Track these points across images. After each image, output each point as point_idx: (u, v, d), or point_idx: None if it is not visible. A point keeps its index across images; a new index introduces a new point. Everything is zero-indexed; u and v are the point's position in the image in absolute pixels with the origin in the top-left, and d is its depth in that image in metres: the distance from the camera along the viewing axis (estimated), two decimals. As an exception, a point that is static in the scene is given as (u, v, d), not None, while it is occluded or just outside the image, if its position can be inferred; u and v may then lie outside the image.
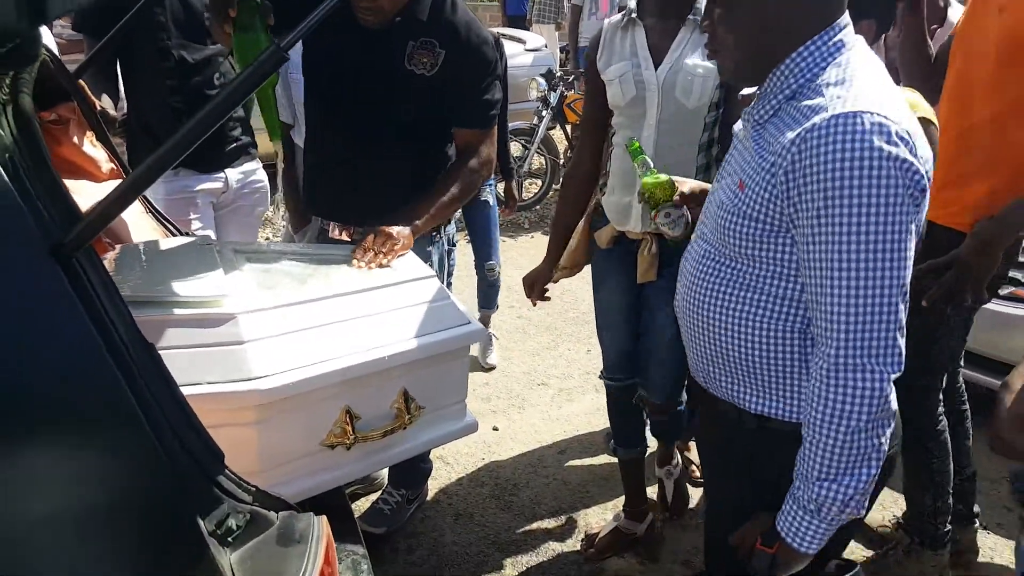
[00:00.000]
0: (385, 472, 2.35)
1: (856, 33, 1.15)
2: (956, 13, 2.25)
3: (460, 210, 2.43)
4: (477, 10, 10.30)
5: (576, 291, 3.83)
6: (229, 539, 0.80)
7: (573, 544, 2.25)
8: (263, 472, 1.25)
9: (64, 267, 0.70)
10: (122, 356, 0.72)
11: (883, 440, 1.00)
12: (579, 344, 3.54)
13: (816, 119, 0.96)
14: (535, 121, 5.25)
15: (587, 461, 2.66)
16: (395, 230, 1.60)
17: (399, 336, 1.38)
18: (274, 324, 1.27)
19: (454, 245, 2.06)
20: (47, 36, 3.74)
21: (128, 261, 1.44)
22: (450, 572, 2.12)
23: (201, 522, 0.76)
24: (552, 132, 5.60)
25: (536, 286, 2.12)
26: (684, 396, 2.12)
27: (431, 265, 1.94)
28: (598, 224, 2.01)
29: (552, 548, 2.23)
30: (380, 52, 1.72)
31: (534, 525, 2.33)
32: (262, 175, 2.56)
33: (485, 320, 3.41)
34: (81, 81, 1.78)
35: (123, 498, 0.72)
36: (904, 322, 0.99)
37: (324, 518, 0.92)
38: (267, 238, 4.39)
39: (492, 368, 3.30)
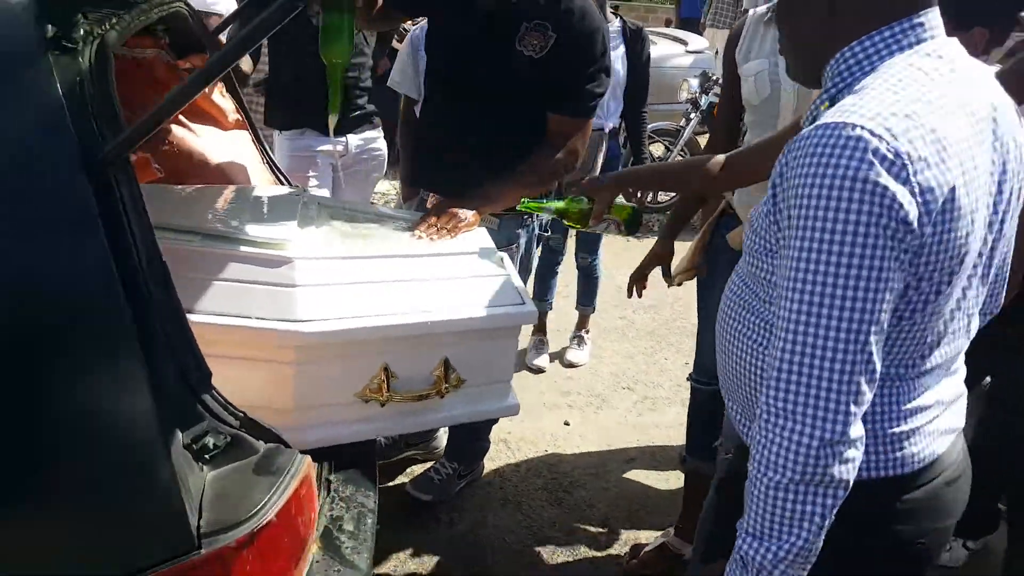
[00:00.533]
0: (444, 443, 2.42)
1: (965, 41, 1.03)
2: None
3: None
4: (656, 11, 10.17)
5: (689, 301, 3.72)
6: (205, 456, 0.87)
7: (615, 554, 2.21)
8: (295, 410, 1.34)
9: (96, 181, 0.79)
10: (133, 272, 0.80)
11: (817, 509, 0.84)
12: (678, 355, 3.44)
13: (807, 128, 0.86)
14: (682, 123, 5.14)
15: (654, 475, 2.59)
16: (461, 211, 1.63)
17: (447, 304, 1.42)
18: (328, 274, 1.34)
19: (546, 229, 2.07)
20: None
21: (217, 198, 1.58)
22: (485, 554, 2.15)
23: (180, 434, 0.83)
24: (699, 136, 5.46)
25: (641, 272, 2.05)
26: None
27: (518, 247, 1.97)
28: (730, 225, 1.92)
29: (592, 554, 2.20)
30: (493, 31, 1.74)
31: (580, 527, 2.30)
32: (382, 144, 2.69)
33: (583, 319, 3.39)
34: (220, 37, 1.95)
35: (109, 405, 0.80)
36: (864, 379, 0.83)
37: (308, 458, 0.97)
38: (388, 194, 4.58)
39: (576, 366, 3.28)
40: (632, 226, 1.65)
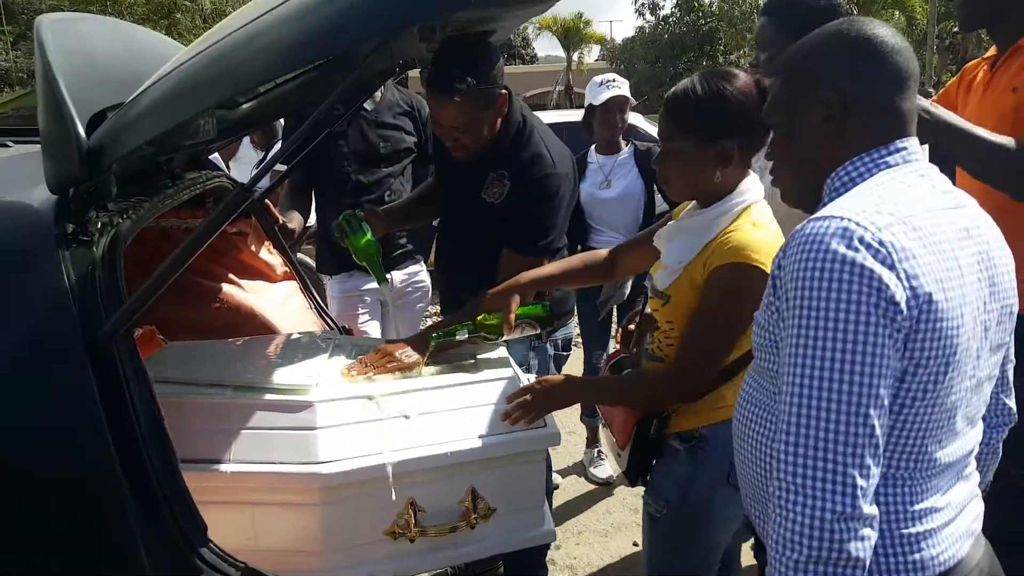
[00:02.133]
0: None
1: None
2: None
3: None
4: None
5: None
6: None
7: None
8: (325, 553, 1.36)
9: (97, 357, 0.88)
10: (131, 439, 0.88)
11: None
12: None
13: (798, 226, 0.93)
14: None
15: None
16: (400, 351, 1.62)
17: (467, 433, 1.44)
18: (349, 413, 1.40)
19: (568, 351, 2.09)
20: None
21: (258, 349, 1.69)
22: None
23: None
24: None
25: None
26: None
27: (529, 368, 1.99)
28: None
29: None
30: (465, 183, 1.87)
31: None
32: (424, 276, 2.82)
33: (592, 433, 3.23)
34: (267, 201, 2.15)
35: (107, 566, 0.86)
36: (869, 452, 0.85)
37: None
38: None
39: (604, 483, 3.13)
40: (547, 321, 1.72)
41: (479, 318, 1.65)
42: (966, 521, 1.00)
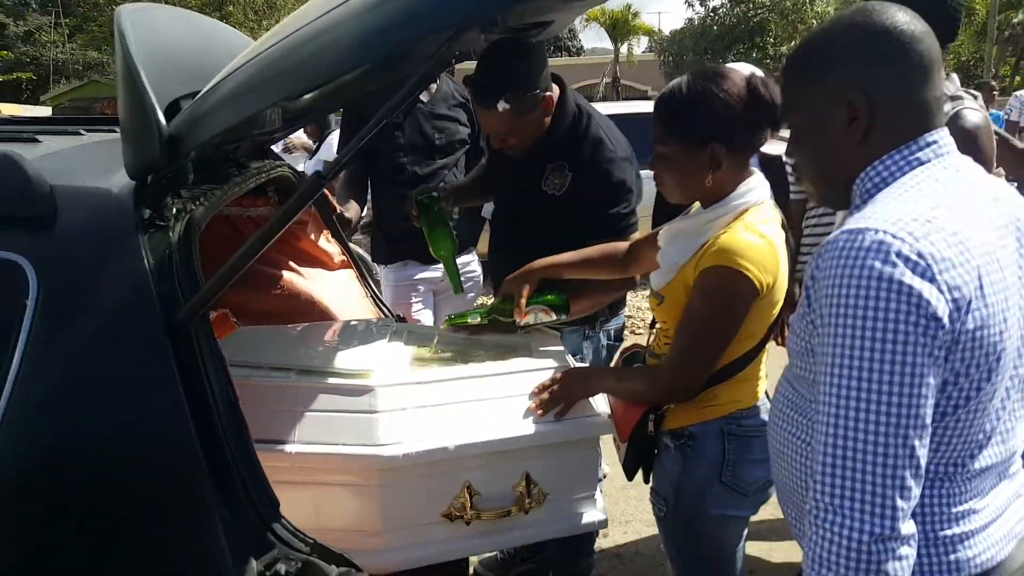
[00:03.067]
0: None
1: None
2: None
3: None
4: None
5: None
6: (278, 581, 0.94)
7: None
8: (384, 533, 1.40)
9: (177, 339, 0.93)
10: (208, 418, 0.92)
11: None
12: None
13: (831, 235, 0.89)
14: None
15: None
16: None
17: (523, 420, 1.46)
18: (407, 398, 1.43)
19: (620, 340, 2.08)
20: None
21: (318, 335, 1.74)
22: None
23: (254, 562, 0.91)
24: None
25: None
26: None
27: (582, 358, 2.00)
28: None
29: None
30: (523, 177, 1.88)
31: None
32: (476, 266, 2.85)
33: None
34: (326, 191, 2.20)
35: (187, 542, 0.90)
36: (909, 472, 0.82)
37: (378, 581, 1.02)
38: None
39: None
40: (561, 308, 1.73)
41: (493, 302, 1.70)
42: (1009, 523, 0.97)
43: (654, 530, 2.73)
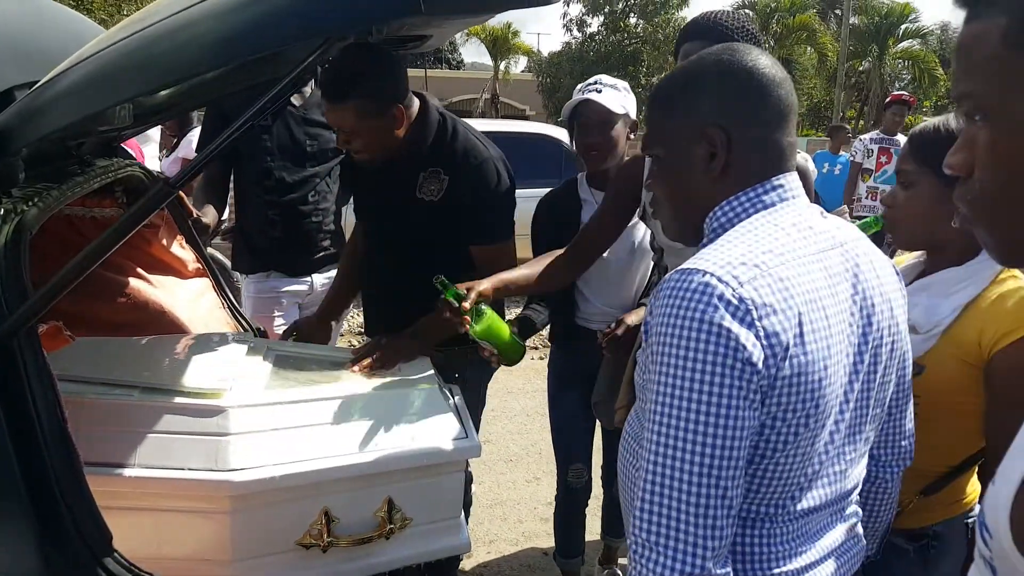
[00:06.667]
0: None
1: None
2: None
3: None
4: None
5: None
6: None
7: None
8: (234, 562, 1.31)
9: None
10: (30, 440, 0.82)
11: None
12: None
13: (669, 273, 0.91)
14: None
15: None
16: (399, 345, 1.67)
17: (385, 443, 1.42)
18: (262, 420, 1.35)
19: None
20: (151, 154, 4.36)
21: (166, 348, 1.61)
22: None
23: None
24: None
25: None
26: None
27: (464, 379, 1.98)
28: None
29: None
30: (395, 185, 1.86)
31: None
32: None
33: (607, 553, 2.65)
34: (181, 193, 2.06)
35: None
36: (721, 512, 0.84)
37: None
38: (349, 344, 4.62)
39: None
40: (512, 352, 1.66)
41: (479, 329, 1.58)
42: (841, 560, 1.01)
43: (517, 549, 2.76)
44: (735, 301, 0.84)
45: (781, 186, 0.97)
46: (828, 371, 0.90)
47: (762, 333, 0.84)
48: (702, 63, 0.99)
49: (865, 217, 1.70)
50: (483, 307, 1.59)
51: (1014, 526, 0.58)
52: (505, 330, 1.63)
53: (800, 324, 0.87)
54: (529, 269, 1.78)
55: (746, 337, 0.83)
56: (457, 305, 1.54)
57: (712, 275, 0.85)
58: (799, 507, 0.95)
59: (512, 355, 1.66)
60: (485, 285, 1.60)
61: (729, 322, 0.83)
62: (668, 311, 0.86)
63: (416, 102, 1.82)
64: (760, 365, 0.84)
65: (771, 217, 0.95)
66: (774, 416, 0.87)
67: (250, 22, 0.82)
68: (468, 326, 1.57)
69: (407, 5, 0.76)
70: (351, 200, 2.15)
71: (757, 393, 0.84)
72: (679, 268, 0.89)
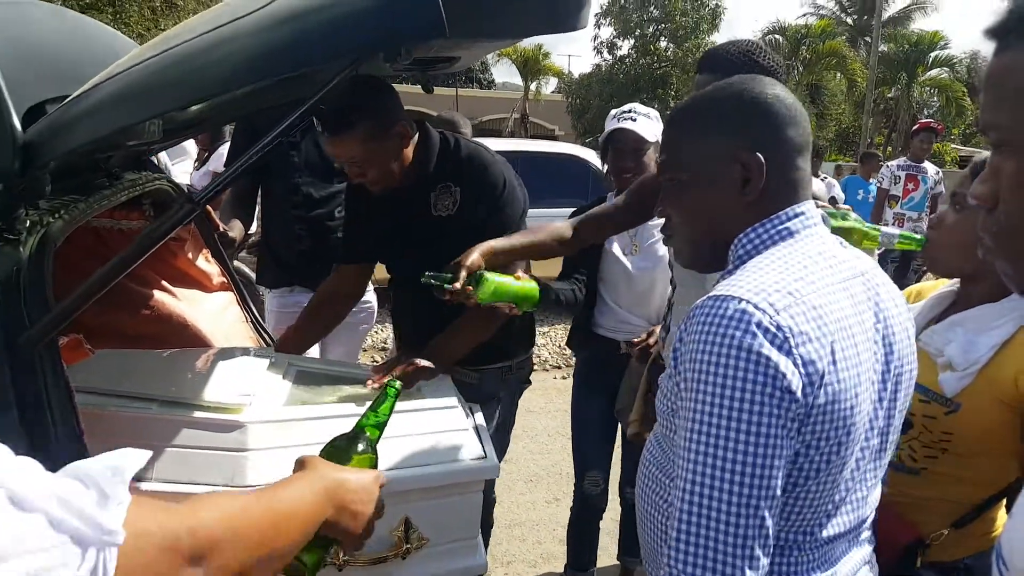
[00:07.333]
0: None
1: None
2: None
3: None
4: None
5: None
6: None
7: None
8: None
9: (17, 364, 0.82)
10: (48, 449, 0.82)
11: None
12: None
13: (701, 299, 0.90)
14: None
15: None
16: (421, 363, 1.66)
17: (403, 462, 1.40)
18: (281, 436, 1.35)
19: (529, 382, 2.09)
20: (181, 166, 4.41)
21: (187, 362, 1.62)
22: None
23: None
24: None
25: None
26: None
27: (498, 400, 1.98)
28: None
29: None
30: (410, 208, 1.86)
31: None
32: (371, 296, 2.76)
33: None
34: (207, 207, 2.08)
35: None
36: (758, 543, 0.82)
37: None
38: (372, 359, 4.62)
39: None
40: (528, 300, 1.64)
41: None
42: None
43: (536, 571, 2.72)
44: (773, 328, 0.83)
45: (803, 213, 0.97)
46: (859, 398, 0.89)
47: (799, 361, 0.83)
48: (729, 90, 1.00)
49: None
50: (481, 274, 1.57)
51: None
52: (510, 284, 1.60)
53: (833, 352, 0.86)
54: (524, 236, 1.72)
55: (785, 365, 0.82)
56: (451, 288, 1.52)
57: (748, 302, 0.84)
58: (825, 534, 0.94)
59: (529, 302, 1.65)
60: (473, 256, 1.55)
61: (768, 350, 0.82)
62: (704, 338, 0.85)
63: (415, 127, 1.84)
64: (798, 393, 0.83)
65: (797, 246, 0.95)
66: (808, 444, 0.86)
67: (282, 41, 0.82)
68: (474, 298, 1.55)
69: (434, 28, 0.76)
70: None
71: (794, 421, 0.83)
72: (711, 295, 0.88)
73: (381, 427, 1.10)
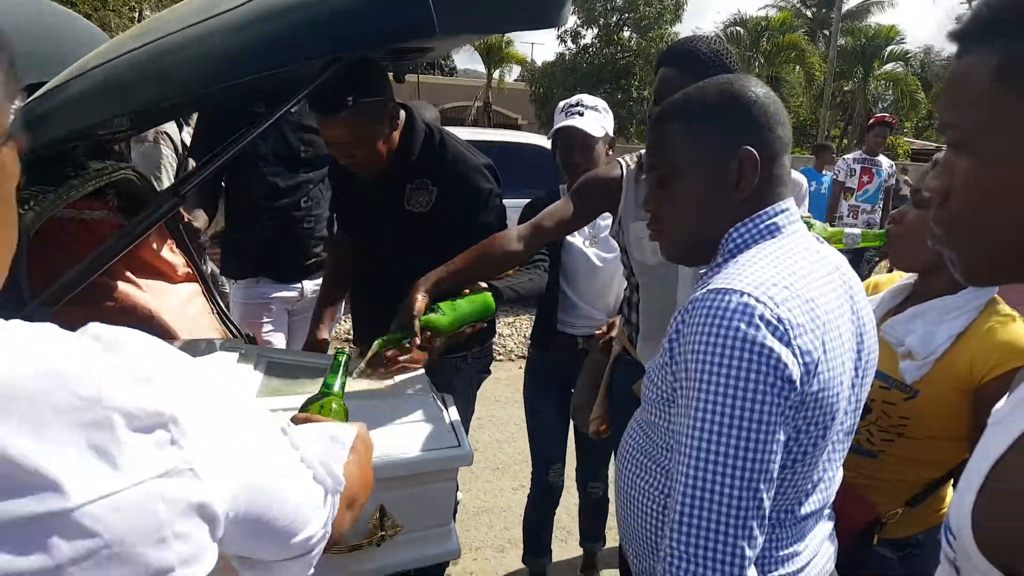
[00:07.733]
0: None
1: None
2: None
3: None
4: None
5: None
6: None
7: None
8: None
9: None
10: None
11: None
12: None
13: (699, 292, 0.93)
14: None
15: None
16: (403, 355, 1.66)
17: (380, 451, 1.41)
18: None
19: (488, 372, 2.11)
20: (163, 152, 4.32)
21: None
22: None
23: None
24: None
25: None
26: None
27: (453, 388, 1.99)
28: (626, 370, 1.93)
29: None
30: (382, 197, 1.87)
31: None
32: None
33: (591, 557, 2.73)
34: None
35: None
36: (756, 523, 0.87)
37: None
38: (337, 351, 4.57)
39: None
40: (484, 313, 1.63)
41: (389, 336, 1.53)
42: (822, 561, 1.06)
43: (503, 556, 2.76)
44: (774, 321, 0.87)
45: (787, 210, 1.02)
46: (842, 385, 0.94)
47: (798, 351, 0.87)
48: (724, 87, 1.03)
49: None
50: (435, 307, 1.55)
51: (975, 529, 0.63)
52: (463, 306, 1.60)
53: (823, 343, 0.91)
54: (468, 257, 1.64)
55: (786, 355, 0.86)
56: (411, 344, 1.50)
57: (750, 295, 0.88)
58: (802, 511, 1.00)
59: (487, 311, 1.66)
60: (418, 303, 1.52)
61: (771, 341, 0.86)
62: (708, 329, 0.88)
63: (402, 112, 1.83)
64: (797, 383, 0.87)
65: (785, 241, 0.99)
66: (799, 430, 0.91)
67: (267, 37, 0.82)
68: (438, 339, 1.57)
69: (424, 26, 0.77)
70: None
71: (791, 408, 0.88)
72: (712, 288, 0.91)
73: (342, 390, 1.28)
